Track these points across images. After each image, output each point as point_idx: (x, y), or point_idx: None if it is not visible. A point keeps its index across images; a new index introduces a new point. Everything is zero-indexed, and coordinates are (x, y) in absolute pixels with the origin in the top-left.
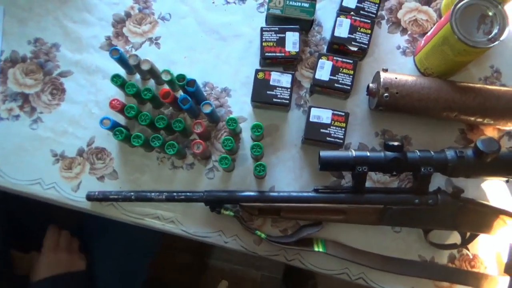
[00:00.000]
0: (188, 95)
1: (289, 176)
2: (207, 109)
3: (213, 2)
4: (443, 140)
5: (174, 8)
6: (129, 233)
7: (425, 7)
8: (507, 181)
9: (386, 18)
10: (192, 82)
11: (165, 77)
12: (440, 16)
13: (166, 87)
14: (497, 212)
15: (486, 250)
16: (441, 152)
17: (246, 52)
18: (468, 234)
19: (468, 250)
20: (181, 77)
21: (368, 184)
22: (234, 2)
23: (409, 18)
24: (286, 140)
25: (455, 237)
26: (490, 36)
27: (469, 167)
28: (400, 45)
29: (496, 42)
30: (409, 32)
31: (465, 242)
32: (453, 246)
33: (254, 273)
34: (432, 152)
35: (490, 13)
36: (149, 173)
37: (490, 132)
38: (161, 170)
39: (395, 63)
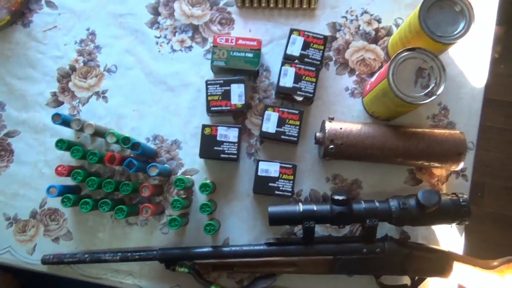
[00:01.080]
0: (136, 157)
1: (243, 226)
2: (153, 172)
3: (159, 51)
4: (393, 182)
5: (119, 60)
6: None
7: (373, 45)
8: (451, 227)
9: (334, 59)
10: (137, 145)
11: (110, 140)
12: (387, 54)
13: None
14: (444, 256)
15: None
16: (386, 202)
17: (195, 101)
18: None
19: None
20: (126, 139)
21: (320, 229)
22: (181, 50)
23: (357, 58)
24: (238, 190)
25: (405, 279)
26: (427, 91)
27: (412, 218)
28: (349, 86)
29: (433, 97)
30: (357, 73)
31: (415, 284)
32: (403, 287)
33: None
34: (377, 203)
35: (427, 66)
36: (103, 231)
37: (438, 171)
38: (116, 228)
39: (344, 105)
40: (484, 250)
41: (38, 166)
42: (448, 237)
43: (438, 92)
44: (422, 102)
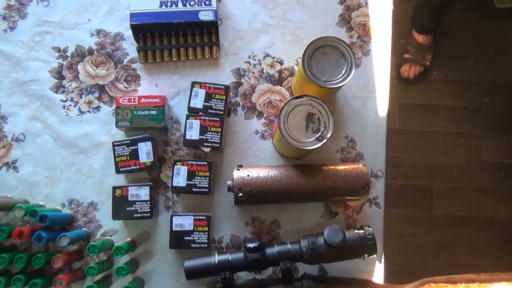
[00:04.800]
0: (46, 229)
1: (168, 281)
2: (64, 242)
3: (67, 114)
4: (310, 218)
5: (27, 127)
6: None
7: (278, 87)
8: (363, 259)
9: (241, 104)
10: (45, 217)
11: (18, 214)
12: (292, 94)
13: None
14: (361, 286)
15: None
16: (297, 243)
17: (108, 161)
18: None
19: None
20: (34, 212)
21: (243, 273)
22: (88, 111)
23: (264, 101)
24: (159, 245)
25: None
26: (318, 135)
27: (322, 256)
28: (258, 129)
29: (324, 141)
30: (265, 115)
31: None
32: None
33: None
34: (289, 245)
35: (316, 111)
36: None
37: (353, 202)
38: None
39: (256, 149)
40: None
41: None
42: (366, 266)
43: (328, 135)
44: (314, 147)
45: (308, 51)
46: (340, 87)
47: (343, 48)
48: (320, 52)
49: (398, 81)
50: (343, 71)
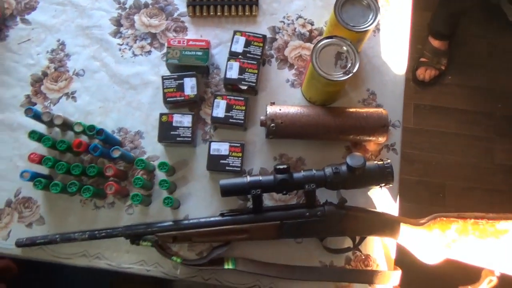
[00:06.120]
0: (100, 143)
1: (201, 204)
2: (116, 154)
3: (122, 56)
4: (332, 158)
5: (87, 65)
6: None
7: (308, 44)
8: (381, 187)
9: (275, 56)
10: (101, 131)
11: (77, 129)
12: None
13: (83, 136)
14: (378, 216)
15: (377, 249)
16: (321, 170)
17: (155, 97)
18: (358, 238)
19: (361, 251)
20: (91, 127)
21: (270, 203)
22: (141, 54)
23: (295, 55)
24: (195, 172)
25: (348, 242)
26: (345, 70)
27: (344, 180)
28: (289, 78)
29: (350, 75)
30: (295, 67)
31: (356, 245)
32: (346, 249)
33: None
34: (314, 171)
35: (344, 50)
36: (73, 215)
37: (372, 146)
38: (85, 212)
39: (286, 95)
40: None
41: (13, 160)
42: (383, 203)
43: (354, 70)
44: (341, 79)
45: (339, 1)
46: (365, 31)
47: (369, 0)
48: (349, 3)
49: (414, 83)
50: (369, 19)
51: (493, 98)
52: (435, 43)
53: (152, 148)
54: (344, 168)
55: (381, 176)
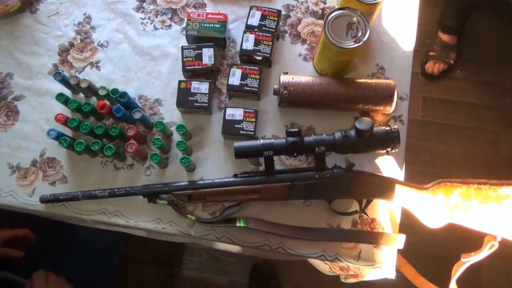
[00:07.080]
0: (122, 106)
1: (215, 167)
2: (137, 116)
3: (144, 29)
4: (341, 127)
5: (111, 37)
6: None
7: (320, 21)
8: (387, 153)
9: (288, 32)
10: (124, 94)
11: (101, 92)
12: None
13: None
14: (384, 180)
15: (382, 213)
16: (331, 134)
17: (174, 68)
18: (364, 201)
19: (367, 214)
20: (115, 91)
21: (281, 167)
22: (162, 28)
23: (307, 31)
24: (210, 138)
25: (355, 206)
26: (356, 38)
27: (352, 144)
28: (301, 53)
29: (361, 43)
30: (308, 42)
31: (363, 208)
32: (353, 212)
33: (221, 279)
34: (324, 135)
35: (355, 20)
36: (94, 175)
37: (379, 117)
38: (105, 172)
39: (298, 68)
40: None
41: (40, 123)
42: (389, 169)
43: (364, 39)
44: (352, 47)
45: None
46: (376, 4)
47: None
48: None
49: (423, 76)
50: None
51: (501, 92)
52: (444, 37)
53: (170, 115)
54: (352, 132)
55: (388, 140)
